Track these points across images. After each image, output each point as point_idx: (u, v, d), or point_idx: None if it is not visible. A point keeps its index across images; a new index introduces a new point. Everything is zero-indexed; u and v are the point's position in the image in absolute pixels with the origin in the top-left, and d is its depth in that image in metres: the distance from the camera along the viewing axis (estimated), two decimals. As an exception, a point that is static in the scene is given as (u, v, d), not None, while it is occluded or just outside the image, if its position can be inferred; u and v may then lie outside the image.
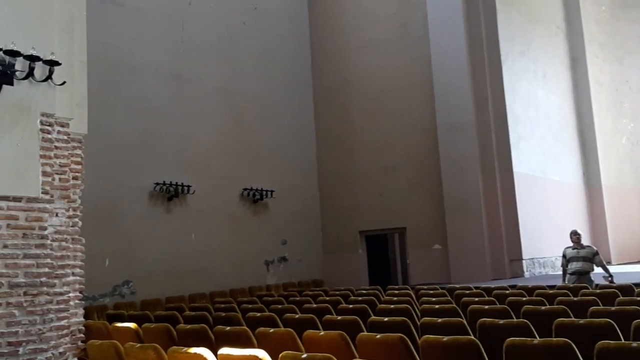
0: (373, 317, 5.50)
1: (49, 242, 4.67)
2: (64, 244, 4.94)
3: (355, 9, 14.40)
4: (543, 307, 5.41)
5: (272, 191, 12.83)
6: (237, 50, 12.78)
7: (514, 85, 13.05)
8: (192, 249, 11.09)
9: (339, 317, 5.52)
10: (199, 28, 12.05)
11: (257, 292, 11.04)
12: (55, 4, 4.98)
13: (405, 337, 3.92)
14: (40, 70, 4.65)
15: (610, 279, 8.08)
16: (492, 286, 8.17)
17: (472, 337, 4.07)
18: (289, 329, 4.63)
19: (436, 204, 12.62)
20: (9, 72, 4.43)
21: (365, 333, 4.40)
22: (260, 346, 4.33)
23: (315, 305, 6.81)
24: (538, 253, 12.66)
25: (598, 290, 6.68)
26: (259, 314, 6.11)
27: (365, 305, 6.20)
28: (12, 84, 4.48)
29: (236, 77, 12.66)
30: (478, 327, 4.50)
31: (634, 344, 3.37)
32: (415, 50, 13.23)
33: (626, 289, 6.63)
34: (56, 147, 4.89)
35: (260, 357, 3.40)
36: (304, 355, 3.35)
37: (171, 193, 10.90)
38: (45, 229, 4.63)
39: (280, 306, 7.01)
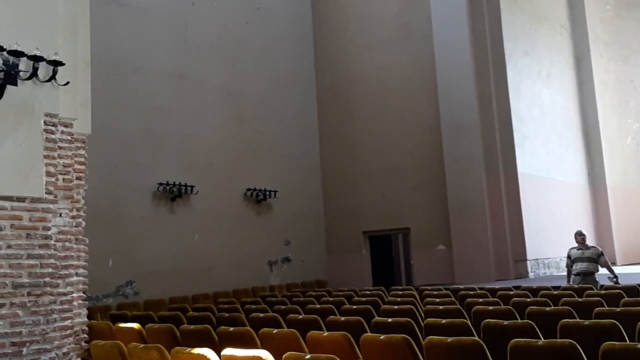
0: (377, 318, 5.49)
1: (52, 242, 4.67)
2: (67, 244, 4.94)
3: (358, 9, 14.38)
4: (548, 308, 5.39)
5: (275, 191, 12.83)
6: (240, 50, 12.79)
7: (518, 84, 13.01)
8: (196, 249, 11.09)
9: (343, 318, 5.51)
10: (202, 28, 12.06)
11: (260, 292, 11.04)
12: (59, 4, 4.99)
13: (409, 338, 3.91)
14: (44, 70, 4.65)
15: (615, 279, 8.04)
16: (497, 287, 8.15)
17: (477, 338, 4.05)
18: (293, 330, 4.62)
19: (440, 204, 12.59)
20: (12, 72, 4.43)
21: (369, 334, 4.39)
22: (263, 347, 4.33)
23: (318, 306, 6.80)
24: (542, 254, 12.62)
25: (603, 291, 6.65)
26: (262, 315, 6.10)
27: (369, 306, 6.19)
28: (16, 84, 4.48)
29: (239, 77, 12.67)
30: (482, 328, 4.48)
31: (639, 345, 3.35)
32: (419, 49, 13.21)
33: (631, 290, 6.60)
34: (60, 148, 4.89)
35: (263, 357, 3.40)
36: (308, 356, 3.34)
37: (174, 193, 10.91)
38: (48, 229, 4.63)
39: (283, 307, 7.00)
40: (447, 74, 12.54)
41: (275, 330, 4.71)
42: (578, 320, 4.60)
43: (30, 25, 4.70)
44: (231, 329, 5.00)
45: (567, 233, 9.57)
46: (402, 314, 5.50)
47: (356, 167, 13.91)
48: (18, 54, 4.43)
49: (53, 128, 4.77)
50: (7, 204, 4.38)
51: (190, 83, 11.65)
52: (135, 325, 5.56)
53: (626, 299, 5.83)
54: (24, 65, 4.52)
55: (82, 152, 5.31)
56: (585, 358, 3.39)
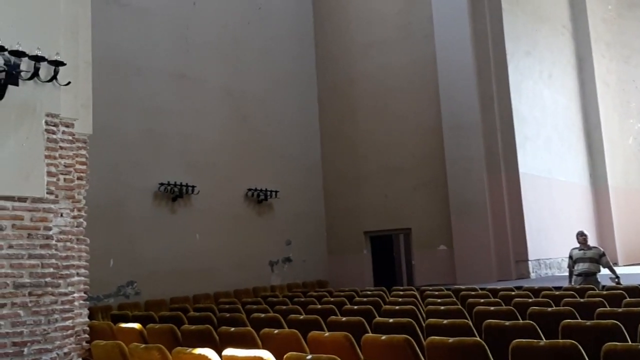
0: (378, 318, 5.48)
1: (53, 242, 4.67)
2: (68, 244, 4.94)
3: (359, 8, 14.38)
4: (549, 309, 5.37)
5: (276, 191, 12.83)
6: (241, 50, 12.79)
7: (520, 85, 12.99)
8: (197, 249, 11.09)
9: (344, 318, 5.50)
10: (203, 28, 12.06)
11: (261, 292, 11.04)
12: (60, 4, 4.99)
13: (410, 338, 3.90)
14: (45, 70, 4.65)
15: (617, 280, 8.03)
16: (498, 287, 8.14)
17: (478, 338, 4.04)
18: (294, 330, 4.62)
19: (441, 204, 12.58)
20: (14, 72, 4.43)
21: (371, 334, 4.39)
22: (264, 347, 4.32)
23: (319, 306, 6.79)
24: (544, 254, 12.60)
25: (605, 292, 6.64)
26: (263, 315, 6.10)
27: (370, 306, 6.18)
28: (17, 85, 4.48)
29: (240, 77, 12.67)
30: (484, 329, 4.47)
31: (642, 346, 3.34)
32: (421, 49, 13.19)
33: (633, 291, 6.58)
34: (61, 148, 4.89)
35: (264, 358, 3.39)
36: (309, 357, 3.34)
37: (175, 193, 10.91)
38: (50, 229, 4.63)
39: (284, 307, 6.99)
40: (449, 74, 12.53)
41: (276, 331, 4.71)
42: (580, 320, 4.59)
43: (31, 26, 4.70)
44: (232, 329, 5.00)
45: (569, 233, 9.57)
46: (404, 315, 5.50)
47: (357, 167, 13.91)
48: (19, 54, 4.43)
49: (54, 128, 4.77)
50: (8, 204, 4.38)
51: (191, 83, 11.65)
52: (136, 325, 5.56)
53: (628, 299, 5.82)
54: (25, 65, 4.52)
55: (83, 152, 5.31)
56: (587, 359, 3.38)
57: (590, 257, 8.27)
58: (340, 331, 4.34)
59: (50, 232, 4.64)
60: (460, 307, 5.99)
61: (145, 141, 10.66)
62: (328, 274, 13.82)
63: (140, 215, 10.37)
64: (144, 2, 11.09)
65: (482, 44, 12.58)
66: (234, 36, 12.71)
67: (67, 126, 5.00)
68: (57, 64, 4.65)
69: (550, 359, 3.48)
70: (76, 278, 5.05)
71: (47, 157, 4.66)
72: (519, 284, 9.28)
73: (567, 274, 8.88)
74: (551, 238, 12.76)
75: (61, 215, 4.88)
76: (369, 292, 8.45)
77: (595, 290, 6.96)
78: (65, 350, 4.70)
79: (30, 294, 4.42)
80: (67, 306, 4.80)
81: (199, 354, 3.66)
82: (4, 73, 4.38)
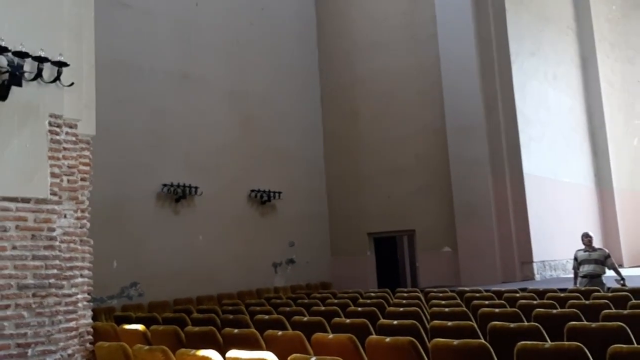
0: (382, 320, 5.45)
1: (57, 243, 4.67)
2: (72, 245, 4.94)
3: (362, 10, 14.36)
4: (554, 311, 5.34)
5: (279, 193, 12.82)
6: (244, 51, 12.79)
7: (524, 85, 12.95)
8: (200, 250, 11.09)
9: (348, 320, 5.48)
10: (207, 29, 12.07)
11: (264, 294, 11.02)
12: (64, 5, 5.00)
13: (415, 340, 3.88)
14: (48, 71, 4.65)
15: (622, 282, 7.98)
16: (503, 289, 8.09)
17: (483, 340, 4.01)
18: (298, 332, 4.60)
19: (445, 206, 12.54)
20: (17, 73, 4.44)
21: (375, 336, 4.36)
22: (268, 349, 4.31)
23: (323, 308, 6.77)
24: (549, 255, 12.55)
25: (610, 294, 6.60)
26: (267, 317, 6.08)
27: (374, 308, 6.16)
28: (20, 85, 4.49)
29: (243, 78, 12.67)
30: (489, 331, 4.44)
31: (648, 349, 3.31)
32: (424, 50, 13.17)
33: (639, 292, 6.53)
34: (64, 149, 4.90)
35: (268, 359, 3.38)
36: (313, 359, 3.33)
37: (179, 194, 10.92)
38: (53, 230, 4.63)
39: (288, 309, 6.97)
40: (452, 75, 12.50)
41: (280, 332, 4.69)
42: (585, 322, 4.56)
43: (35, 27, 4.71)
44: (236, 330, 4.98)
45: (574, 235, 9.51)
46: (408, 316, 5.47)
47: (361, 169, 13.89)
48: (23, 55, 4.44)
49: (58, 129, 4.78)
50: (12, 205, 4.38)
51: (194, 84, 11.66)
52: (139, 326, 5.55)
53: (633, 301, 5.77)
54: (28, 66, 4.53)
55: (86, 153, 5.32)
56: (593, 361, 3.35)
57: (595, 259, 8.23)
58: (344, 333, 4.32)
59: (54, 233, 4.64)
60: (464, 309, 5.96)
61: (148, 142, 10.67)
62: (331, 275, 13.80)
63: (143, 216, 10.37)
64: (147, 4, 11.10)
65: (486, 45, 12.54)
66: (237, 37, 12.71)
67: (70, 127, 5.00)
68: (61, 64, 4.66)
69: (556, 362, 3.45)
70: (80, 279, 5.05)
71: (50, 158, 4.67)
72: (524, 285, 9.24)
73: (572, 275, 8.83)
74: (556, 239, 12.70)
75: (65, 217, 4.88)
76: (372, 294, 8.41)
77: (600, 292, 6.91)
78: (69, 351, 4.69)
79: (34, 295, 4.42)
80: (70, 307, 4.81)
81: (203, 356, 3.65)
82: (7, 74, 4.39)
